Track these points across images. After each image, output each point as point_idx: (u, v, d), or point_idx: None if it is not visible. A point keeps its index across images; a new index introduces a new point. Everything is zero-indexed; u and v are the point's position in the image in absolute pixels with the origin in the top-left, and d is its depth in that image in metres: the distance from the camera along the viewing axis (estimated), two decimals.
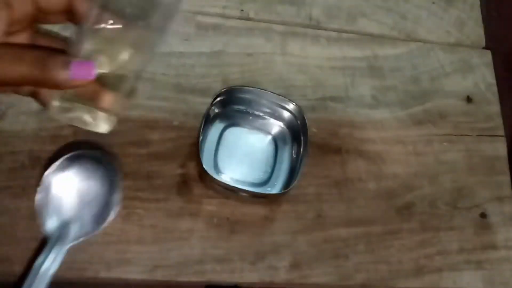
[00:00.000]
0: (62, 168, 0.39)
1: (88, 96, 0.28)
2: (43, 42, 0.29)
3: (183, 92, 0.47)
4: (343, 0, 0.55)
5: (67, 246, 0.38)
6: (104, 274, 0.40)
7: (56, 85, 0.26)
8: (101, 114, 0.29)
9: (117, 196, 0.40)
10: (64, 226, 0.38)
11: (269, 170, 0.46)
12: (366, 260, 0.45)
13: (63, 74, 0.25)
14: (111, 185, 0.40)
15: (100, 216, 0.40)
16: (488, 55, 0.56)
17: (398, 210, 0.47)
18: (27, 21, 0.27)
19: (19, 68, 0.25)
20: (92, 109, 0.28)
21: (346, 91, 0.51)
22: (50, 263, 0.37)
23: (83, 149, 0.40)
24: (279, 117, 0.47)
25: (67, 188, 0.40)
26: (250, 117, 0.47)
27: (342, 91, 0.51)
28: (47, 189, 0.39)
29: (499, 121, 0.53)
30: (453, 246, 0.47)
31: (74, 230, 0.39)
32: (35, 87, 0.29)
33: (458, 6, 0.58)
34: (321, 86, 0.51)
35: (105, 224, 0.39)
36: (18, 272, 0.39)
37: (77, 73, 0.25)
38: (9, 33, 0.26)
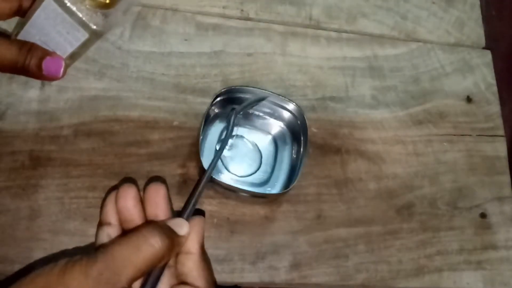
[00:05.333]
0: None
1: None
2: None
3: (183, 92, 0.47)
4: (343, 0, 0.55)
5: None
6: None
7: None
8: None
9: None
10: None
11: (269, 170, 0.46)
12: (366, 260, 0.45)
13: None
14: None
15: None
16: (488, 55, 0.56)
17: (398, 210, 0.47)
18: None
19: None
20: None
21: (346, 91, 0.51)
22: None
23: None
24: (279, 117, 0.47)
25: None
26: (250, 117, 0.47)
27: (342, 91, 0.51)
28: None
29: (499, 121, 0.53)
30: (453, 246, 0.47)
31: None
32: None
33: (458, 6, 0.58)
34: (321, 86, 0.51)
35: None
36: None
37: (48, 69, 0.29)
38: None
